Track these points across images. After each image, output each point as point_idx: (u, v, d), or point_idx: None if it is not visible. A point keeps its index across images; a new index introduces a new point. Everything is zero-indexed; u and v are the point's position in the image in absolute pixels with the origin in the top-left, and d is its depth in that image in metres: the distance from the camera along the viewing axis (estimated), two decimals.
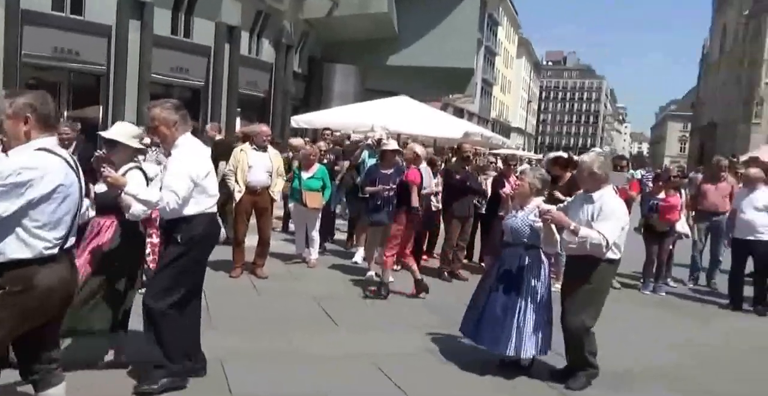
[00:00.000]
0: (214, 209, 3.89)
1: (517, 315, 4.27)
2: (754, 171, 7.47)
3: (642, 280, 7.87)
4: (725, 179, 8.39)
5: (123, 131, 4.06)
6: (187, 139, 3.79)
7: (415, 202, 6.55)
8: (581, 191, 4.45)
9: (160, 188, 3.67)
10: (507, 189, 7.66)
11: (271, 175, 7.05)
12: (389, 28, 23.44)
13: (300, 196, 7.77)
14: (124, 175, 3.81)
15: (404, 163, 7.09)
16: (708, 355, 5.42)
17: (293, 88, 23.02)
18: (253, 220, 7.15)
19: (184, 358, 3.81)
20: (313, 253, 8.07)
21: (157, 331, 3.70)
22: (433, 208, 8.33)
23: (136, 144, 4.03)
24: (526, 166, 8.80)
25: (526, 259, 4.37)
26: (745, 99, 50.67)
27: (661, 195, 7.65)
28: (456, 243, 7.73)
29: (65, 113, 14.25)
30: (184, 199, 3.61)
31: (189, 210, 3.69)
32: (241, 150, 7.09)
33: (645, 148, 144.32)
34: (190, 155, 3.72)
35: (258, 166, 6.94)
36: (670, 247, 7.79)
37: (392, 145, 7.53)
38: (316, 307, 6.04)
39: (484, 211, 8.15)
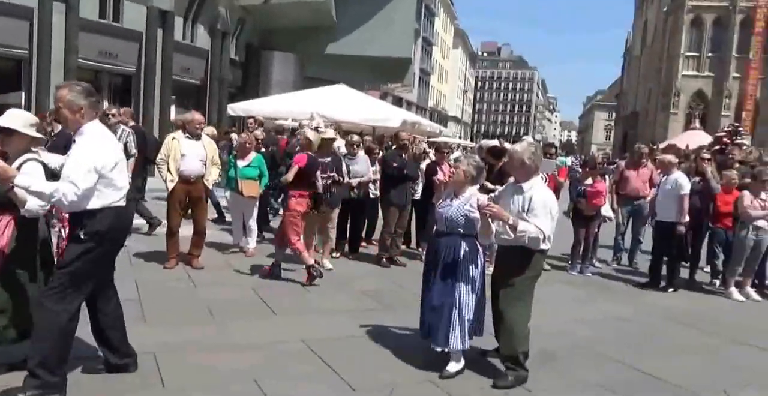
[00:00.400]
0: (122, 203, 3.57)
1: (454, 309, 4.18)
2: (669, 157, 7.94)
3: (570, 262, 8.26)
4: (645, 165, 8.86)
5: (18, 118, 3.66)
6: (94, 126, 3.50)
7: (286, 180, 6.61)
8: (511, 180, 4.46)
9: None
10: (440, 176, 7.93)
11: (205, 164, 6.94)
12: (327, 16, 23.33)
13: (236, 184, 7.74)
14: (20, 167, 3.49)
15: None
16: (626, 329, 5.75)
17: (230, 76, 22.62)
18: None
19: (64, 370, 3.50)
20: (251, 243, 8.04)
21: (41, 335, 3.38)
22: (372, 196, 8.47)
23: (33, 132, 3.68)
24: (458, 153, 9.01)
25: (462, 249, 4.24)
26: (664, 90, 53.80)
27: (588, 181, 8.02)
28: (394, 230, 7.88)
29: None
30: (85, 191, 3.29)
31: (92, 203, 3.39)
32: (173, 138, 6.95)
33: (574, 136, 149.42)
34: (95, 144, 3.41)
35: (191, 154, 6.80)
36: (596, 229, 8.19)
37: (329, 133, 7.57)
38: (254, 295, 6.05)
39: (418, 198, 8.30)
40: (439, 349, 4.24)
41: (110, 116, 7.86)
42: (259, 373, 4.08)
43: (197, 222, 7.07)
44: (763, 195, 7.14)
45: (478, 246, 4.31)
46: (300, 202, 6.66)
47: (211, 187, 7.09)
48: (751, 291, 7.33)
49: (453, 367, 4.21)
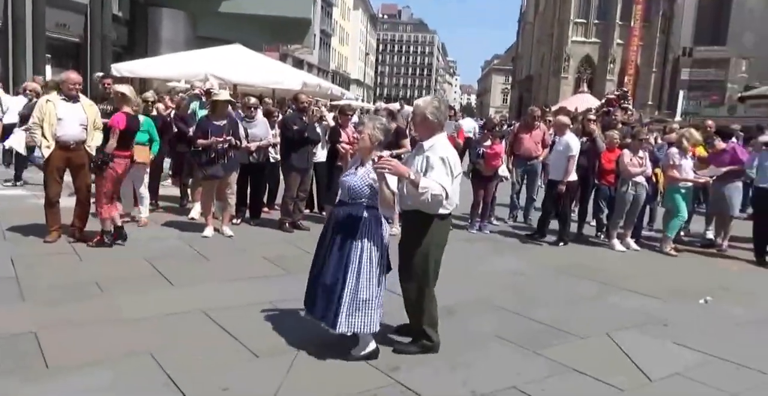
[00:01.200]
0: None
1: (348, 287, 3.76)
2: (563, 119, 8.29)
3: (469, 221, 8.51)
4: (538, 127, 9.21)
5: None
6: None
7: (110, 148, 6.24)
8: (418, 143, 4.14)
9: None
10: (343, 138, 7.86)
11: (86, 129, 6.43)
12: None
13: None
14: None
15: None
16: (520, 282, 6.04)
17: (114, 34, 21.14)
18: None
19: None
20: (143, 211, 7.67)
21: None
22: (272, 160, 8.28)
23: None
24: (355, 118, 8.91)
25: (365, 222, 3.82)
26: (555, 55, 56.63)
27: (487, 143, 8.22)
28: (296, 194, 7.76)
29: None
30: None
31: None
32: (48, 101, 6.33)
33: (473, 99, 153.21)
34: None
35: (69, 118, 6.25)
36: (494, 189, 8.46)
37: (223, 95, 7.27)
38: (149, 267, 5.79)
39: (320, 161, 8.21)
40: (333, 331, 3.83)
41: None
42: (155, 346, 3.92)
43: (79, 191, 6.60)
44: (641, 153, 7.66)
45: (383, 220, 3.92)
46: (120, 163, 6.36)
47: (93, 153, 6.56)
48: (631, 242, 7.89)
49: (357, 350, 3.90)
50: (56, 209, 6.47)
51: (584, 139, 8.27)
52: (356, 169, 3.94)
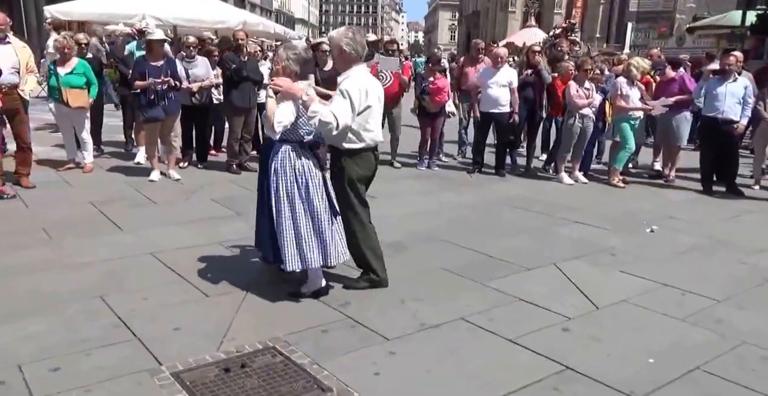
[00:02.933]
0: None
1: (280, 224, 3.67)
2: (503, 51, 8.27)
3: (418, 158, 8.56)
4: (483, 61, 9.14)
5: None
6: None
7: None
8: None
9: None
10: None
11: (18, 72, 6.14)
12: None
13: (60, 94, 6.99)
14: None
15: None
16: (467, 216, 6.16)
17: None
18: None
19: None
20: (87, 157, 7.45)
21: None
22: (215, 101, 8.05)
23: None
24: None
25: (278, 156, 3.66)
26: None
27: (431, 78, 8.17)
28: (241, 135, 7.62)
29: None
30: None
31: None
32: None
33: (421, 37, 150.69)
34: None
35: None
36: (441, 126, 8.48)
37: (158, 34, 6.95)
38: (96, 212, 5.70)
39: (263, 101, 8.03)
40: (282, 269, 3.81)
41: None
42: (104, 289, 3.91)
43: (18, 137, 6.38)
44: (587, 84, 7.71)
45: (308, 151, 3.72)
46: None
47: (27, 97, 6.29)
48: (579, 175, 8.07)
49: (305, 288, 3.92)
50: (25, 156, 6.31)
51: (529, 71, 8.28)
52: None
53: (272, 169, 3.68)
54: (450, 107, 8.41)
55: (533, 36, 25.14)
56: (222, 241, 4.96)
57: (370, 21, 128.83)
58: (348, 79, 3.74)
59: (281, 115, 3.51)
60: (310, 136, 3.71)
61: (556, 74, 8.32)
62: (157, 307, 3.70)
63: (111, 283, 4.03)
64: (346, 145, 3.82)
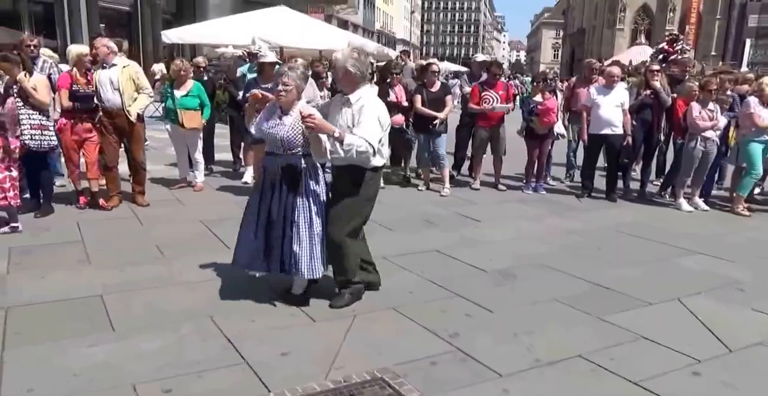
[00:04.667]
0: None
1: (295, 232, 3.83)
2: (616, 70, 7.86)
3: (524, 181, 8.27)
4: (596, 81, 8.74)
5: None
6: None
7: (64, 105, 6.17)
8: (339, 94, 4.05)
9: None
10: (392, 98, 7.69)
11: (120, 93, 6.32)
12: None
13: (176, 116, 7.34)
14: None
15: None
16: (578, 244, 5.82)
17: (162, 1, 21.24)
18: None
19: None
20: (199, 176, 7.75)
21: None
22: None
23: None
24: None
25: (304, 171, 3.83)
26: (610, 5, 53.50)
27: (538, 98, 7.90)
28: None
29: None
30: None
31: None
32: (95, 71, 6.36)
33: (523, 56, 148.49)
34: None
35: (104, 85, 6.27)
36: (549, 148, 8.17)
37: (270, 57, 7.16)
38: (206, 231, 5.85)
39: None
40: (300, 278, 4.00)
41: (32, 47, 7.24)
42: (214, 309, 3.95)
43: (131, 156, 6.70)
44: (711, 106, 7.17)
45: (318, 166, 3.93)
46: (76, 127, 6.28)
47: (133, 118, 6.44)
48: (700, 201, 7.49)
49: (296, 287, 4.12)
50: (114, 174, 6.60)
51: (648, 92, 7.82)
52: (281, 118, 3.83)
53: (303, 182, 3.82)
54: (559, 129, 8.07)
55: (642, 54, 24.10)
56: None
57: (472, 40, 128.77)
58: (366, 100, 3.78)
59: (327, 142, 3.67)
60: None
61: (675, 95, 7.83)
62: (265, 329, 3.69)
63: (220, 304, 4.07)
64: (374, 163, 3.87)
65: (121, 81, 6.28)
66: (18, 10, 15.98)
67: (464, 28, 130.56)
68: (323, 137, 3.64)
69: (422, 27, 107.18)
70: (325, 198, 3.95)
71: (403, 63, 11.47)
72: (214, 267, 4.80)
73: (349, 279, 4.07)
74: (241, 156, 8.88)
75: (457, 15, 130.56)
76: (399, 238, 5.83)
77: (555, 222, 6.66)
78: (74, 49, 6.61)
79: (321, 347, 3.46)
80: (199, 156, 7.70)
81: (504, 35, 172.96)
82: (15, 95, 5.84)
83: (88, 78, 6.28)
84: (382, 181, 4.14)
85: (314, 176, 3.89)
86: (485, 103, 7.80)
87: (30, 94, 5.77)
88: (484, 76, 8.67)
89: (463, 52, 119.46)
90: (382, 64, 13.73)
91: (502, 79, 8.67)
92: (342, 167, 3.89)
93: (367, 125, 3.68)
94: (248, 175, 8.17)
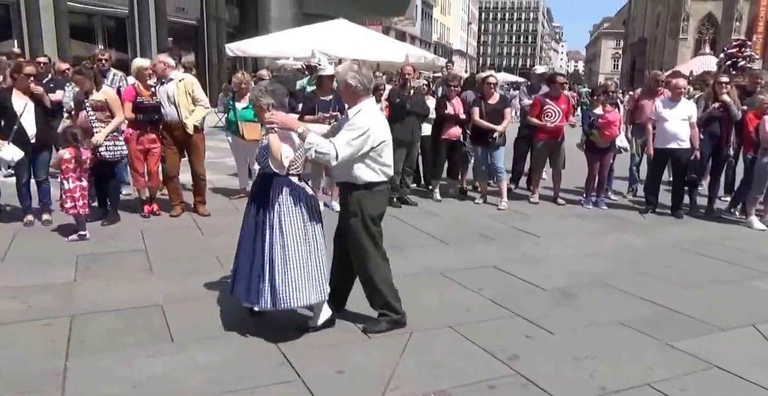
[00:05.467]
0: None
1: (275, 262, 3.57)
2: (683, 82, 7.56)
3: (584, 195, 8.03)
4: (662, 93, 8.44)
5: None
6: None
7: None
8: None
9: None
10: (449, 110, 7.62)
11: (175, 106, 6.47)
12: None
13: (237, 128, 7.47)
14: None
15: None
16: (642, 262, 5.57)
17: (227, 15, 21.88)
18: None
19: None
20: None
21: None
22: None
23: None
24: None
25: (273, 190, 3.58)
26: (673, 14, 51.77)
27: (599, 111, 7.68)
28: (402, 168, 7.64)
29: None
30: None
31: None
32: (154, 85, 6.63)
33: (581, 66, 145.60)
34: None
35: (163, 99, 6.47)
36: (611, 161, 7.91)
37: (329, 70, 7.20)
38: None
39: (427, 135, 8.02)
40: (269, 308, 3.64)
41: (103, 61, 7.55)
42: (271, 323, 3.91)
43: (192, 167, 6.86)
44: None
45: (304, 188, 3.67)
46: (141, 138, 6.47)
47: (190, 130, 6.51)
48: None
49: (312, 320, 3.83)
50: (175, 184, 6.77)
51: (716, 105, 7.50)
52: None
53: (279, 203, 3.57)
54: (622, 142, 7.80)
55: (706, 64, 23.21)
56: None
57: (529, 51, 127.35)
58: (360, 113, 3.61)
59: (287, 150, 3.51)
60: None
61: (745, 107, 7.47)
62: (320, 346, 3.66)
63: (277, 317, 3.99)
64: (366, 179, 3.64)
65: (177, 95, 6.45)
66: (92, 25, 16.72)
67: (521, 38, 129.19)
68: (282, 145, 3.46)
69: (479, 37, 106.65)
70: (300, 220, 3.61)
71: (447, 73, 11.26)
72: None
73: (388, 302, 3.87)
74: None
75: (514, 26, 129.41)
76: (455, 252, 5.74)
77: (617, 238, 6.42)
78: (136, 63, 6.84)
79: (377, 366, 3.40)
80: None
81: (562, 45, 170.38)
82: (87, 108, 6.08)
83: (152, 90, 6.48)
84: (386, 198, 3.89)
85: (286, 197, 3.58)
86: (546, 116, 7.63)
87: (113, 112, 6.10)
88: (544, 88, 8.51)
89: (520, 62, 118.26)
90: (439, 75, 13.70)
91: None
92: (340, 186, 3.81)
93: (345, 133, 3.52)
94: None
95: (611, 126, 7.52)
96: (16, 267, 4.97)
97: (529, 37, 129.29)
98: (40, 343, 3.60)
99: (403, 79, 7.68)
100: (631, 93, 10.87)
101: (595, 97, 7.90)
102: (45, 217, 6.31)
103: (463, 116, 7.78)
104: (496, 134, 7.50)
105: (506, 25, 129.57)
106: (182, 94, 6.47)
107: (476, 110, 7.60)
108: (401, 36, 40.51)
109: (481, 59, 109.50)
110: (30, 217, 6.27)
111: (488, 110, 7.56)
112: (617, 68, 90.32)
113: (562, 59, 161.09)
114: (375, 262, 3.82)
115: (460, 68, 40.78)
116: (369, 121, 3.58)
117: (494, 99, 7.65)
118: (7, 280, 4.66)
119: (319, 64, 7.25)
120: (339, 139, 3.48)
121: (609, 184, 8.26)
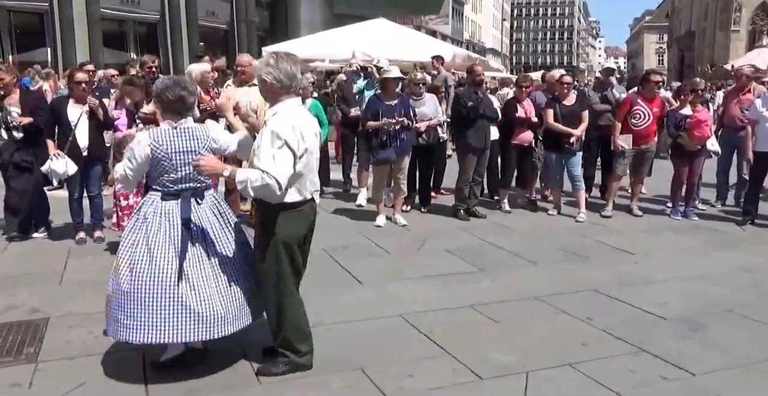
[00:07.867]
0: None
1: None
2: None
3: (671, 205, 7.31)
4: (750, 91, 7.72)
5: None
6: None
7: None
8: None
9: None
10: (521, 113, 7.07)
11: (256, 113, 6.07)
12: None
13: None
14: None
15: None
16: (764, 282, 4.94)
17: (257, 18, 21.63)
18: None
19: None
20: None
21: None
22: (441, 140, 7.67)
23: None
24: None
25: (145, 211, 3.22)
26: (723, 5, 49.07)
27: (686, 110, 7.02)
28: (472, 177, 7.09)
29: (10, 58, 13.06)
30: None
31: None
32: (227, 86, 6.23)
33: (621, 62, 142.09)
34: None
35: (243, 103, 6.00)
36: (701, 167, 7.22)
37: (394, 71, 6.71)
38: (331, 261, 5.38)
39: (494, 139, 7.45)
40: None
41: (153, 68, 7.15)
42: (363, 359, 3.49)
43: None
44: None
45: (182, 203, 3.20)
46: None
47: None
48: None
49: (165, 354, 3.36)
50: (235, 196, 6.32)
51: None
52: None
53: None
54: (713, 145, 7.10)
55: (763, 59, 22.08)
56: (474, 304, 4.37)
57: (565, 47, 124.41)
58: (275, 117, 3.04)
59: (272, 166, 2.95)
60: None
61: None
62: (427, 388, 3.19)
63: (367, 352, 3.60)
64: (281, 199, 3.04)
65: (256, 101, 5.80)
66: (124, 32, 16.59)
67: (557, 35, 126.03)
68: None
69: (511, 35, 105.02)
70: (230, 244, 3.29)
71: (435, 71, 10.57)
72: (350, 305, 4.36)
73: (288, 339, 3.28)
74: (353, 176, 8.51)
75: (549, 22, 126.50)
76: (544, 273, 5.19)
77: (725, 256, 5.72)
78: (196, 68, 6.40)
79: None
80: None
81: (600, 41, 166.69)
82: (139, 122, 5.66)
83: (211, 95, 6.06)
84: (308, 221, 3.30)
85: (150, 217, 3.17)
86: (633, 118, 6.95)
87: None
88: (614, 84, 7.91)
89: (556, 60, 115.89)
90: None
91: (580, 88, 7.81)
92: (257, 203, 3.23)
93: (264, 150, 2.95)
94: (362, 198, 7.76)
95: (702, 126, 6.84)
96: (78, 291, 4.60)
97: (565, 33, 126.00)
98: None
99: (475, 80, 7.11)
100: (722, 91, 10.05)
101: (682, 97, 7.19)
102: (97, 234, 5.99)
103: (535, 119, 7.19)
104: (573, 139, 6.91)
105: (540, 22, 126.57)
106: (258, 100, 5.82)
107: (550, 113, 7.01)
108: (431, 35, 39.81)
109: (514, 58, 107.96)
110: (82, 235, 5.97)
111: (564, 113, 6.97)
112: (662, 63, 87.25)
113: (600, 55, 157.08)
114: (288, 297, 3.25)
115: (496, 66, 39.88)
116: (289, 124, 3.01)
117: (570, 100, 7.06)
118: (69, 305, 4.30)
119: (384, 66, 6.77)
120: (262, 159, 2.94)
121: (696, 193, 7.53)
